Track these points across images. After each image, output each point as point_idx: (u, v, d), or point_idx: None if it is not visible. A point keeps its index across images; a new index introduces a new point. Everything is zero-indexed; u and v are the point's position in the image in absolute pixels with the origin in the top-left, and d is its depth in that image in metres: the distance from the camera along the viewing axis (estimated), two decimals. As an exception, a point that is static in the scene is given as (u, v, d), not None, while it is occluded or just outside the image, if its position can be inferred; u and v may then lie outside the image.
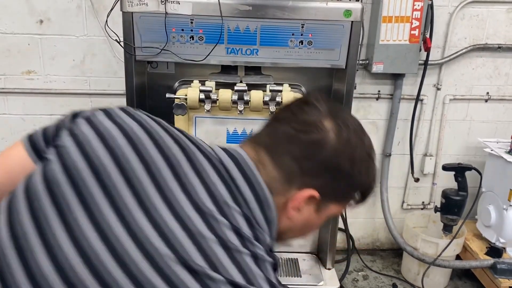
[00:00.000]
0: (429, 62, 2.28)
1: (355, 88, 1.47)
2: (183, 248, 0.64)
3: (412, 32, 2.18)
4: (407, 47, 2.20)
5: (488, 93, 2.44)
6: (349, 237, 2.46)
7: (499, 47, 2.33)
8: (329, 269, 1.62)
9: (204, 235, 0.66)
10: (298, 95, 1.33)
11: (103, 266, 0.62)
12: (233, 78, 1.39)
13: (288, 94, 1.29)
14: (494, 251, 2.27)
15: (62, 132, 0.77)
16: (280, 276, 1.56)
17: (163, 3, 1.25)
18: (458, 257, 2.43)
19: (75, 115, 0.83)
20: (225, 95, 1.28)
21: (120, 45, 1.39)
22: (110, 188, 0.67)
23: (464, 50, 2.33)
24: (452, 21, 2.28)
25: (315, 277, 1.57)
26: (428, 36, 2.20)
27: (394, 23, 2.17)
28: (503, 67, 2.41)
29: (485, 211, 2.31)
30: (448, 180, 2.47)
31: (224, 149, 0.77)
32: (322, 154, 0.76)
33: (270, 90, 1.29)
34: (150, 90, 1.44)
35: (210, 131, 1.33)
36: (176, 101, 1.27)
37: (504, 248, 2.26)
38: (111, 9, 1.50)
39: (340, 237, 2.56)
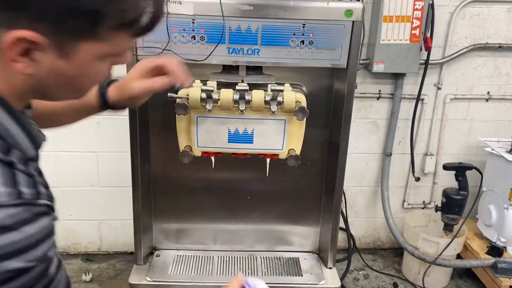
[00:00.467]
0: (429, 61, 2.28)
1: (356, 88, 1.48)
2: None
3: (413, 31, 2.18)
4: (407, 46, 2.20)
5: (488, 92, 2.44)
6: (350, 236, 2.47)
7: (499, 47, 2.33)
8: (330, 268, 1.62)
9: None
10: (300, 95, 1.34)
11: None
12: (234, 77, 1.39)
13: (289, 94, 1.29)
14: (495, 250, 2.27)
15: None
16: (282, 276, 1.57)
17: (164, 3, 1.25)
18: (458, 256, 2.43)
19: None
20: (227, 94, 1.28)
21: (122, 45, 1.39)
22: None
23: (464, 50, 2.33)
24: (453, 20, 2.28)
25: (316, 276, 1.57)
26: (428, 35, 2.20)
27: (395, 22, 2.17)
28: (504, 66, 2.41)
29: (485, 210, 2.31)
30: (448, 180, 2.47)
31: None
32: None
33: (272, 90, 1.29)
34: (152, 90, 1.45)
35: (212, 131, 1.34)
36: (178, 100, 1.27)
37: (505, 247, 2.26)
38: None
39: (341, 236, 2.57)
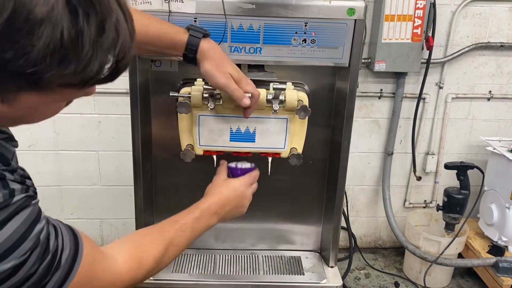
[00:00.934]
0: (431, 60, 2.28)
1: (357, 87, 1.48)
2: None
3: (415, 30, 2.18)
4: (409, 45, 2.20)
5: (490, 91, 2.44)
6: (351, 235, 2.47)
7: (501, 46, 2.33)
8: (332, 267, 1.62)
9: None
10: (302, 94, 1.34)
11: None
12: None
13: (291, 93, 1.29)
14: (496, 249, 2.27)
15: None
16: (283, 274, 1.57)
17: (166, 1, 1.25)
18: (460, 256, 2.43)
19: None
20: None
21: (124, 43, 1.39)
22: None
23: (466, 49, 2.33)
24: (455, 19, 2.28)
25: (318, 275, 1.57)
26: (430, 34, 2.20)
27: (397, 21, 2.17)
28: (506, 65, 2.41)
29: (487, 209, 2.31)
30: (450, 179, 2.47)
31: None
32: None
33: (274, 89, 1.29)
34: (154, 88, 1.45)
35: (214, 130, 1.33)
36: (180, 99, 1.27)
37: (506, 246, 2.26)
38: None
39: (342, 235, 2.57)
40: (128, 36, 0.63)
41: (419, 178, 2.53)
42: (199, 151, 1.36)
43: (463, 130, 2.52)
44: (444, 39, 2.33)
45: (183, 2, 1.26)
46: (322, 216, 1.66)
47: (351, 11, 1.27)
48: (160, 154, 1.55)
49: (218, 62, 1.14)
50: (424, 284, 2.30)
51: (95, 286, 0.83)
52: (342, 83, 1.43)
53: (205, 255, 1.65)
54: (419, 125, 2.47)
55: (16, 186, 0.67)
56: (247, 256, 1.67)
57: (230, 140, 1.35)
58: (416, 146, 2.49)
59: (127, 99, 1.39)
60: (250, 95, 1.18)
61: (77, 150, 2.39)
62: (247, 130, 1.34)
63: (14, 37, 0.53)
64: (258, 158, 1.38)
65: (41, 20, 0.53)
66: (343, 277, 2.36)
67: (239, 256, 1.66)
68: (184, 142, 1.36)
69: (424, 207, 2.66)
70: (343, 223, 2.31)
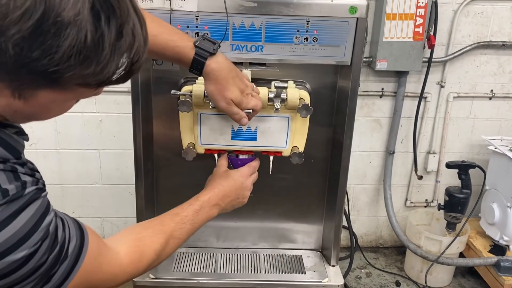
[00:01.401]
0: (433, 59, 2.28)
1: (359, 86, 1.47)
2: None
3: (416, 29, 2.18)
4: (411, 44, 2.20)
5: (492, 90, 2.44)
6: (353, 234, 2.47)
7: (503, 45, 2.33)
8: (333, 266, 1.62)
9: None
10: (303, 92, 1.33)
11: None
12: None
13: (293, 91, 1.29)
14: (498, 249, 2.27)
15: None
16: (285, 273, 1.57)
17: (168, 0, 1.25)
18: (461, 255, 2.43)
19: None
20: (230, 91, 1.28)
21: (125, 41, 1.39)
22: None
23: (468, 48, 2.33)
24: (456, 18, 2.27)
25: (319, 274, 1.57)
26: (432, 33, 2.20)
27: (398, 20, 2.16)
28: (507, 64, 2.40)
29: (488, 208, 2.31)
30: (451, 178, 2.47)
31: None
32: None
33: (275, 87, 1.28)
34: (155, 87, 1.44)
35: (215, 128, 1.33)
36: (181, 97, 1.27)
37: (508, 246, 2.26)
38: (116, 6, 1.50)
39: (343, 235, 2.57)
40: (143, 41, 0.67)
41: (420, 177, 2.53)
42: (200, 149, 1.36)
43: (464, 129, 2.52)
44: (446, 38, 2.32)
45: (184, 0, 1.25)
46: (324, 215, 1.66)
47: (353, 9, 1.27)
48: (161, 152, 1.54)
49: (221, 86, 1.12)
50: (425, 283, 2.30)
51: (98, 279, 0.85)
52: (344, 81, 1.43)
53: (206, 254, 1.65)
54: (420, 124, 2.47)
55: (27, 179, 0.69)
56: (248, 255, 1.67)
57: (232, 139, 1.35)
58: (418, 145, 2.48)
59: (128, 98, 1.39)
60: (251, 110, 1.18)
61: (78, 149, 2.39)
62: (248, 128, 1.34)
63: (42, 38, 0.56)
64: (259, 157, 1.38)
65: (68, 23, 0.57)
66: (344, 276, 2.36)
67: (240, 255, 1.66)
68: (186, 141, 1.36)
69: (425, 206, 2.66)
70: (345, 222, 2.31)
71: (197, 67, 1.10)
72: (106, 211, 2.55)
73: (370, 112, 2.44)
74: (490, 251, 2.29)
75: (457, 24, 2.29)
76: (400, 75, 2.34)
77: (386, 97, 2.41)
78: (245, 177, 1.25)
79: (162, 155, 1.55)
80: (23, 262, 0.67)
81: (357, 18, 1.28)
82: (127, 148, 2.35)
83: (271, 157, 1.39)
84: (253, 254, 1.67)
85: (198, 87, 1.25)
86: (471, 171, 2.07)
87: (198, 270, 1.57)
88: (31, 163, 0.74)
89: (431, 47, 2.22)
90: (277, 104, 1.27)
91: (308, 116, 1.30)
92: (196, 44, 1.10)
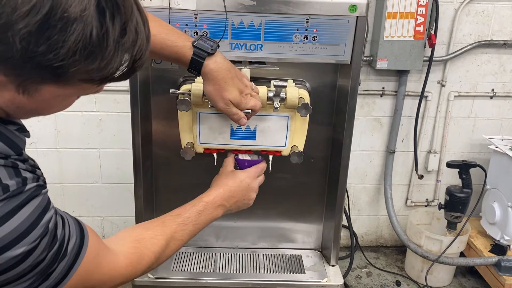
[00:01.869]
0: (433, 58, 2.27)
1: (359, 85, 1.47)
2: None
3: (417, 28, 2.17)
4: (411, 43, 2.19)
5: (493, 90, 2.43)
6: (353, 234, 2.46)
7: (504, 44, 2.32)
8: (333, 265, 1.61)
9: None
10: (303, 91, 1.33)
11: None
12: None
13: (292, 90, 1.28)
14: (499, 248, 2.26)
15: None
16: (284, 273, 1.56)
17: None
18: (462, 255, 2.42)
19: None
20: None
21: (124, 40, 1.38)
22: None
23: (469, 47, 2.32)
24: (457, 17, 2.26)
25: (319, 274, 1.56)
26: (433, 32, 2.19)
27: (399, 19, 2.15)
28: (509, 63, 2.39)
29: (489, 208, 2.30)
30: (452, 177, 2.46)
31: None
32: None
33: (274, 86, 1.28)
34: (154, 86, 1.44)
35: (214, 127, 1.33)
36: (180, 96, 1.26)
37: (509, 245, 2.25)
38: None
39: (344, 234, 2.57)
40: (145, 39, 0.69)
41: (421, 177, 2.52)
42: (199, 149, 1.36)
43: (465, 128, 2.51)
44: (447, 37, 2.32)
45: (183, -2, 1.25)
46: (323, 215, 1.65)
47: (353, 7, 1.27)
48: (160, 152, 1.54)
49: (220, 87, 1.11)
50: (426, 283, 2.29)
51: (96, 279, 0.84)
52: (344, 80, 1.43)
53: (205, 254, 1.65)
54: (421, 124, 2.46)
55: (28, 175, 0.69)
56: (247, 254, 1.66)
57: (231, 138, 1.34)
58: (418, 144, 2.48)
59: (128, 97, 1.38)
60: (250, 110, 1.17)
61: (78, 148, 2.39)
62: (247, 127, 1.33)
63: (49, 33, 0.57)
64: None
65: (74, 19, 0.58)
66: (345, 276, 2.36)
67: (239, 254, 1.66)
68: (185, 140, 1.36)
69: (426, 206, 2.65)
70: (345, 222, 2.31)
71: (195, 67, 1.10)
72: (106, 211, 2.54)
73: (370, 111, 2.43)
74: (490, 251, 2.28)
75: (458, 23, 2.28)
76: (400, 74, 2.33)
77: (386, 96, 2.41)
78: (252, 178, 1.24)
79: (161, 155, 1.54)
80: (22, 258, 0.67)
81: (357, 16, 1.28)
82: (127, 147, 2.33)
83: (270, 157, 1.38)
84: (253, 254, 1.66)
85: (197, 86, 1.24)
86: (471, 170, 2.07)
87: (198, 270, 1.57)
88: (32, 160, 0.74)
89: (432, 46, 2.21)
90: (277, 103, 1.27)
91: (308, 115, 1.30)
92: (194, 44, 1.09)
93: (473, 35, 2.32)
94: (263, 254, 1.66)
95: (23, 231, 0.66)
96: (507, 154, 2.18)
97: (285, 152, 1.37)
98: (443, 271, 2.39)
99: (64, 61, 0.60)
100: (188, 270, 1.57)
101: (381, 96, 2.40)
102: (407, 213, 2.56)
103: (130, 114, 1.40)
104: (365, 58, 2.26)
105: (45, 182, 0.74)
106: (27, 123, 0.77)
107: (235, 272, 1.57)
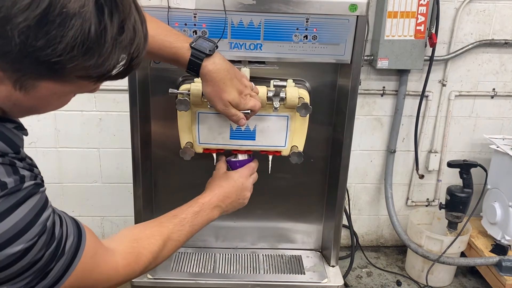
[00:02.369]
0: (434, 58, 2.26)
1: (359, 84, 1.46)
2: None
3: (418, 27, 2.16)
4: (412, 42, 2.18)
5: (494, 89, 2.42)
6: (353, 233, 2.46)
7: (505, 43, 2.31)
8: (333, 266, 1.61)
9: None
10: (303, 91, 1.32)
11: None
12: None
13: (292, 90, 1.28)
14: (499, 248, 2.25)
15: None
16: (284, 273, 1.55)
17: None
18: (462, 254, 2.41)
19: None
20: (229, 90, 1.26)
21: (123, 40, 1.37)
22: None
23: (470, 46, 2.31)
24: (458, 16, 2.25)
25: (319, 274, 1.56)
26: (433, 31, 2.18)
27: (400, 18, 2.15)
28: (510, 63, 2.38)
29: (490, 208, 2.30)
30: (453, 177, 2.45)
31: None
32: None
33: (274, 86, 1.27)
34: (153, 85, 1.43)
35: (214, 127, 1.32)
36: (179, 96, 1.26)
37: (510, 245, 2.24)
38: (114, 4, 1.49)
39: (344, 234, 2.56)
40: (143, 38, 0.69)
41: (421, 176, 2.51)
42: (198, 149, 1.35)
43: (466, 128, 2.50)
44: (448, 36, 2.31)
45: (182, -2, 1.24)
46: (323, 215, 1.65)
47: (353, 7, 1.26)
48: (159, 152, 1.53)
49: (218, 88, 1.10)
50: (426, 283, 2.28)
51: (93, 278, 0.84)
52: (344, 80, 1.42)
53: (205, 254, 1.64)
54: (422, 123, 2.46)
55: (25, 173, 0.69)
56: (247, 255, 1.66)
57: (230, 138, 1.34)
58: (419, 144, 2.47)
59: (127, 96, 1.38)
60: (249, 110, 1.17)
61: (78, 147, 2.38)
62: (247, 128, 1.33)
63: (48, 27, 0.58)
64: (258, 156, 1.37)
65: (73, 14, 0.58)
66: (345, 276, 2.35)
67: (239, 255, 1.65)
68: (184, 140, 1.35)
69: (426, 206, 2.64)
70: (345, 222, 2.30)
71: (193, 68, 1.09)
72: (106, 210, 2.54)
73: (371, 110, 2.43)
74: (491, 251, 2.27)
75: (459, 22, 2.28)
76: (401, 74, 2.32)
77: (387, 96, 2.40)
78: (245, 178, 1.25)
79: (161, 155, 1.54)
80: (19, 256, 0.67)
81: (357, 16, 1.27)
82: (127, 146, 2.31)
83: (270, 157, 1.38)
84: (252, 254, 1.66)
85: (196, 85, 1.24)
86: (472, 170, 2.06)
87: (197, 270, 1.56)
88: (30, 158, 0.74)
89: (433, 45, 2.20)
90: (276, 103, 1.26)
91: (308, 115, 1.29)
92: (192, 45, 1.08)
93: (474, 34, 2.32)
94: (262, 255, 1.66)
95: (21, 229, 0.66)
96: (508, 154, 2.17)
97: (285, 152, 1.37)
98: (444, 271, 2.38)
99: (61, 56, 0.60)
100: (188, 270, 1.56)
101: (382, 96, 2.40)
102: (408, 213, 2.56)
103: (129, 113, 1.40)
104: (365, 58, 2.25)
105: (42, 181, 0.74)
106: (27, 122, 0.77)
107: (234, 272, 1.56)
